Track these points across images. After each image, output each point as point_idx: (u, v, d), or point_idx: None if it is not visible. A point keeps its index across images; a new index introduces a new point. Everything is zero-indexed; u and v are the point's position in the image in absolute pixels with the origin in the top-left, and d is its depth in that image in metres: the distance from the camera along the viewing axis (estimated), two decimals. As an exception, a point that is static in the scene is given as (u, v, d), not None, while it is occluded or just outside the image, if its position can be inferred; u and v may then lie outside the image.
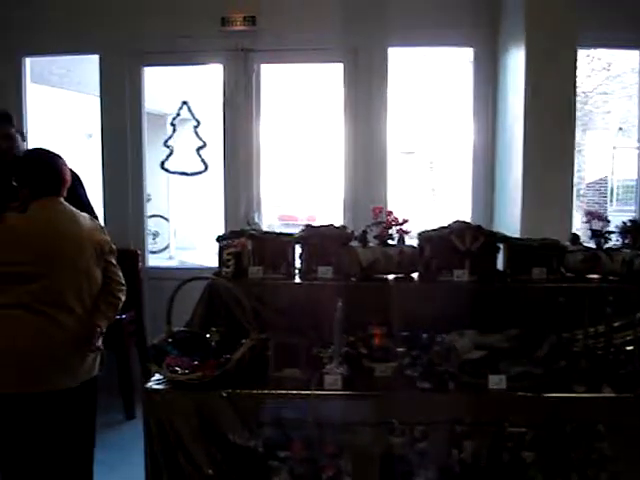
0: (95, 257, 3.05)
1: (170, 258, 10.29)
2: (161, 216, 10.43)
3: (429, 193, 13.52)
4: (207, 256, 11.12)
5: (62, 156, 3.10)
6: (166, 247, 10.68)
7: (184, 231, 11.45)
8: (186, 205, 11.15)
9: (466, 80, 5.20)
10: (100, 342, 3.07)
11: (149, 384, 2.84)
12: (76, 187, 3.46)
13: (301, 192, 12.44)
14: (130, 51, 5.11)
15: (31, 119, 5.25)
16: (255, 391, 2.77)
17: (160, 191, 9.43)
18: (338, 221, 4.74)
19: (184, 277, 2.96)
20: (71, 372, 2.98)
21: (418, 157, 13.31)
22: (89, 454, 3.20)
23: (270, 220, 9.24)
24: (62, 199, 3.05)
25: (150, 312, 5.17)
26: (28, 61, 5.28)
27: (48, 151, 3.11)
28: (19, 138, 3.71)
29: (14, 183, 3.05)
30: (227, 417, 2.75)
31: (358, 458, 2.73)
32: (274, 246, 3.32)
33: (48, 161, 3.04)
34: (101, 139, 5.26)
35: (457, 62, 8.23)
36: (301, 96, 10.24)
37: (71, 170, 3.26)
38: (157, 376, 2.87)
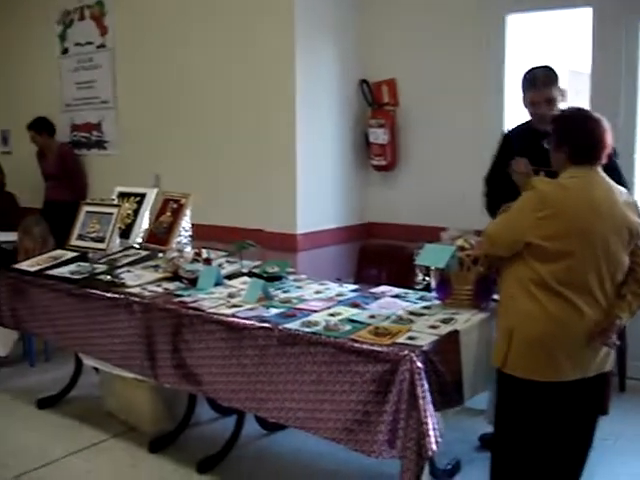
0: (626, 239, 2.64)
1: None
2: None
3: None
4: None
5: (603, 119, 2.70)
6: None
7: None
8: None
9: None
10: (615, 337, 2.69)
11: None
12: (613, 159, 3.02)
13: None
14: (627, 3, 4.46)
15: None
16: None
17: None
18: None
19: None
20: (581, 364, 2.67)
21: None
22: (584, 454, 2.85)
23: None
24: (599, 168, 2.68)
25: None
26: (510, 18, 4.97)
27: (587, 111, 2.75)
28: (559, 98, 3.33)
29: (546, 146, 2.75)
30: None
31: None
32: None
33: (588, 122, 2.67)
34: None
35: None
36: None
37: None
38: None
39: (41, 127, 6.44)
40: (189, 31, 5.56)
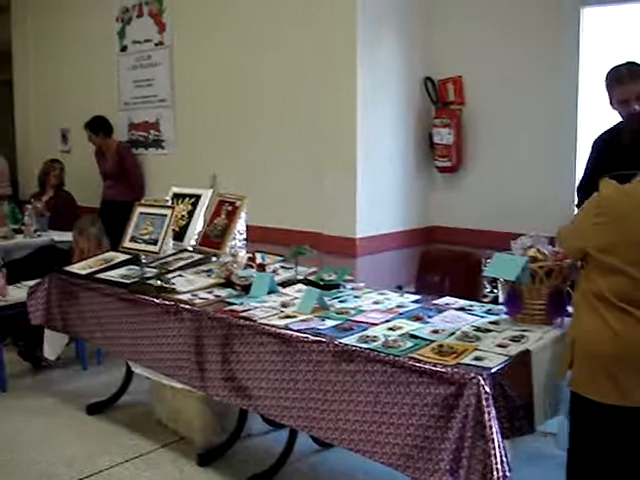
0: None
1: None
2: None
3: None
4: None
5: None
6: None
7: None
8: None
9: None
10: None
11: None
12: None
13: None
14: None
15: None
16: None
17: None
18: None
19: None
20: None
21: None
22: None
23: None
24: None
25: None
26: (586, 11, 4.65)
27: None
28: None
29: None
30: None
31: None
32: None
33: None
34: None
35: None
36: None
37: None
38: None
39: (97, 127, 6.38)
40: (247, 27, 5.41)
